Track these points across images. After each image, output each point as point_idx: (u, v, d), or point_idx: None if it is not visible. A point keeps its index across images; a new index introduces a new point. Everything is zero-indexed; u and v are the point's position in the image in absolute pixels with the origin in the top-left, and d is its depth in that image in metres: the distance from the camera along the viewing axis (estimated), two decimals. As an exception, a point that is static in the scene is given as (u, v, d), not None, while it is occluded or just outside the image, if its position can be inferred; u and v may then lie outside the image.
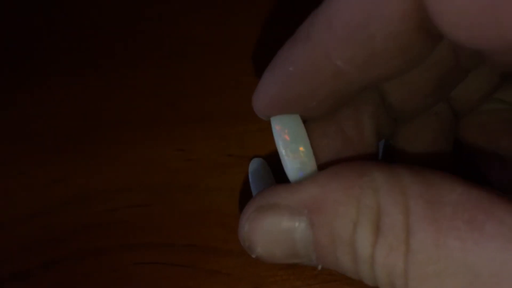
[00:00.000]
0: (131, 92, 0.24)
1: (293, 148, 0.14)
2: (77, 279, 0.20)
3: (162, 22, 0.26)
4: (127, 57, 0.25)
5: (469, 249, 0.10)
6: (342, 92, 0.13)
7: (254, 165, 0.20)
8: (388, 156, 0.18)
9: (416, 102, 0.16)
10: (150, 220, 0.21)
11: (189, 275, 0.20)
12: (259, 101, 0.14)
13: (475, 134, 0.18)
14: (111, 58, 0.25)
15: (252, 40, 0.25)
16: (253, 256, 0.14)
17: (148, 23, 0.26)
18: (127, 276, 0.20)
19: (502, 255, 0.10)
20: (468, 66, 0.15)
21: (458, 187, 0.11)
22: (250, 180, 0.20)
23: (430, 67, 0.15)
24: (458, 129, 0.19)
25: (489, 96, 0.18)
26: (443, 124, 0.17)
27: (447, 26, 0.10)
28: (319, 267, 0.18)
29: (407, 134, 0.18)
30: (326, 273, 0.19)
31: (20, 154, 0.23)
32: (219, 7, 0.26)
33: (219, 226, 0.21)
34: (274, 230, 0.13)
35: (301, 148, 0.14)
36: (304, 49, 0.12)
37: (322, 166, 0.15)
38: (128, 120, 0.23)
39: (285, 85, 0.13)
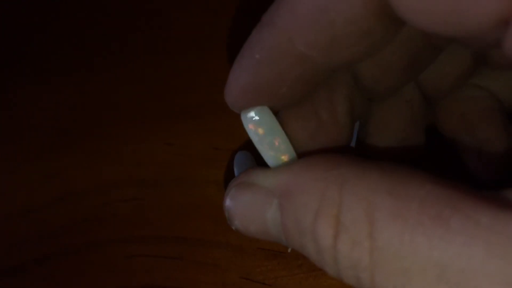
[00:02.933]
0: (121, 89, 0.24)
1: (268, 141, 0.15)
2: (69, 273, 0.20)
3: (150, 20, 0.26)
4: (117, 55, 0.25)
5: (435, 245, 0.10)
6: (309, 77, 0.13)
7: (239, 157, 0.20)
8: (362, 138, 0.18)
9: (388, 81, 0.16)
10: (140, 213, 0.21)
11: (178, 266, 0.20)
12: (230, 92, 0.14)
13: (454, 123, 0.18)
14: (102, 57, 0.25)
15: (239, 34, 0.25)
16: (233, 228, 0.15)
17: (137, 21, 0.26)
18: (119, 270, 0.20)
19: (468, 250, 0.10)
20: (439, 43, 0.15)
21: (427, 184, 0.11)
22: (236, 172, 0.20)
23: (401, 45, 0.15)
24: (437, 116, 0.18)
25: (462, 80, 0.17)
26: (414, 112, 0.17)
27: (406, 12, 0.10)
28: (289, 250, 0.19)
29: (379, 120, 0.18)
30: (310, 263, 0.19)
31: (13, 151, 0.23)
32: (206, 2, 0.26)
33: (208, 219, 0.21)
34: (249, 207, 0.14)
35: (276, 139, 0.15)
36: (269, 35, 0.12)
37: (301, 154, 0.15)
38: (118, 116, 0.24)
39: (253, 72, 0.13)
